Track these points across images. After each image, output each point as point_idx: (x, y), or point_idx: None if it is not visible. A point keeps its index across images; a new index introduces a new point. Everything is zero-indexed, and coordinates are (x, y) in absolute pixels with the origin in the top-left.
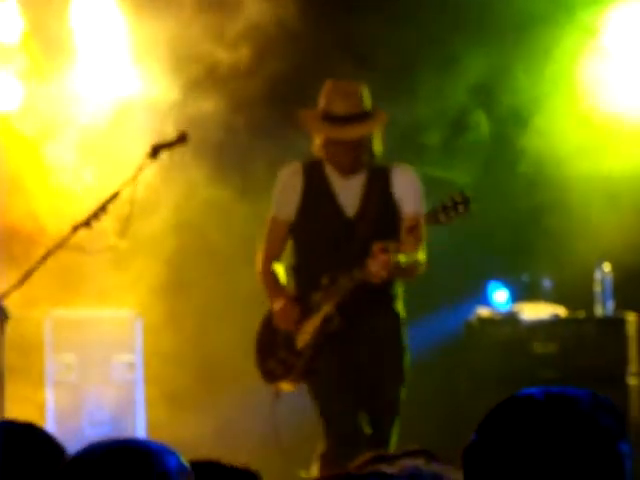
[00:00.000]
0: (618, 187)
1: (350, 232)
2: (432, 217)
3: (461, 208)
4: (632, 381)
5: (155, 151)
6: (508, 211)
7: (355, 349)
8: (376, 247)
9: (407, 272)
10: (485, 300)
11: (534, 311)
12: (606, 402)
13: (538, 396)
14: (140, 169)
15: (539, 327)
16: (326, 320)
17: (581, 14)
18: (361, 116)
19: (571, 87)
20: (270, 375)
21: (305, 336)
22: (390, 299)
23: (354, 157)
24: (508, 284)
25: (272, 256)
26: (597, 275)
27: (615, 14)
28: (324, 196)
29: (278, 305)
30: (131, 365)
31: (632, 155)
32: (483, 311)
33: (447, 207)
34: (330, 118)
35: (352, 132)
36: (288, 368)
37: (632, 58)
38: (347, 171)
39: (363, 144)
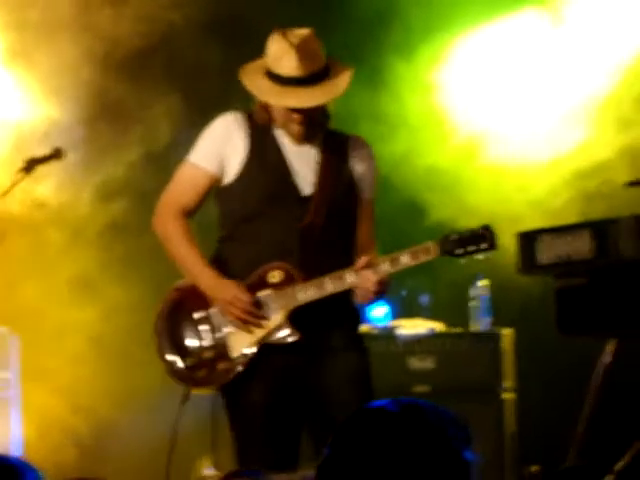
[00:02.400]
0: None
1: (304, 214)
2: (444, 245)
3: (484, 244)
4: (507, 395)
5: (29, 166)
6: (385, 226)
7: (309, 384)
8: (362, 261)
9: None
10: (364, 316)
11: (412, 327)
12: (448, 413)
13: (390, 407)
14: (14, 184)
15: (415, 342)
16: (276, 331)
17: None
18: (321, 75)
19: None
20: (185, 375)
21: (244, 343)
22: (357, 322)
23: (310, 126)
24: (387, 300)
25: (185, 208)
26: (473, 291)
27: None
28: (274, 163)
29: (230, 293)
30: (6, 381)
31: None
32: (361, 326)
33: (465, 239)
34: (281, 79)
35: (313, 98)
36: (215, 375)
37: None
38: (301, 140)
39: (321, 108)
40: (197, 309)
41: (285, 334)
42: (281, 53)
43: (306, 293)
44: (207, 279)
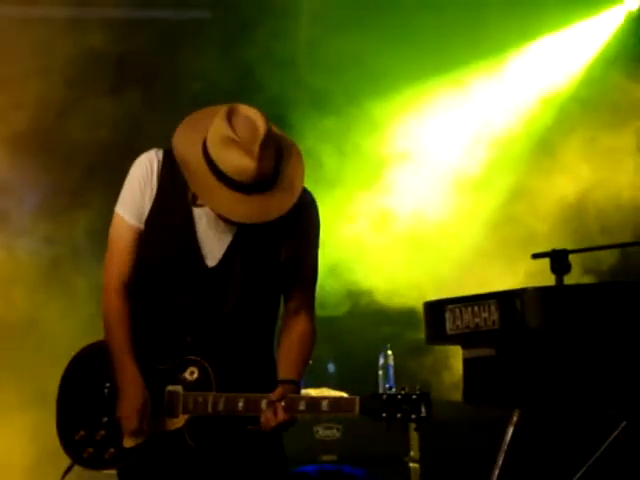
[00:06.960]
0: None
1: (210, 287)
2: (368, 404)
3: (414, 414)
4: (412, 465)
5: None
6: None
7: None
8: (278, 393)
9: None
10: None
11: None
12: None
13: (312, 474)
14: None
15: None
16: (171, 434)
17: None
18: (271, 180)
19: None
20: (74, 448)
21: (137, 437)
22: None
23: None
24: None
25: (125, 275)
26: (380, 360)
27: None
28: (178, 223)
29: (135, 403)
30: None
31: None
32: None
33: (395, 403)
34: (227, 180)
35: (264, 212)
36: (102, 460)
37: None
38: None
39: None
40: (109, 377)
41: (179, 443)
42: (233, 153)
43: (216, 407)
44: (122, 372)
